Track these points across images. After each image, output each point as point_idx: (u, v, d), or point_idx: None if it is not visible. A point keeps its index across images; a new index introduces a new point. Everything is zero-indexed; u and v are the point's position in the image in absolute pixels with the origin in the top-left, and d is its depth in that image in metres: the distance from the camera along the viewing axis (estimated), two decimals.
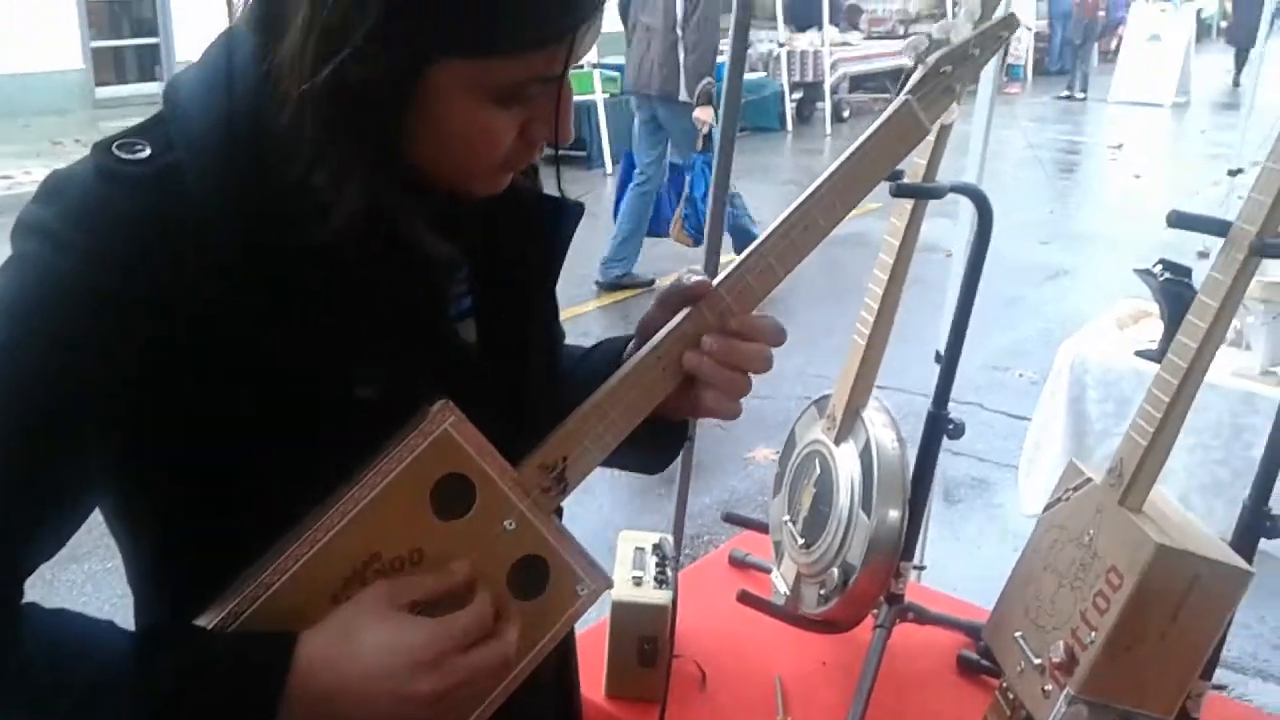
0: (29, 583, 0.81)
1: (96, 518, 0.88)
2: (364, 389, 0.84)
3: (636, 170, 6.44)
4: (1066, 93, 15.19)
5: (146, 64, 13.24)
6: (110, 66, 13.07)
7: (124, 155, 0.80)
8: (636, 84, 6.43)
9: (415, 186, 0.85)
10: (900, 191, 1.45)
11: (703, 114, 6.01)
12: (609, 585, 0.96)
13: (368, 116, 0.78)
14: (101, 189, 0.79)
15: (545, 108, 0.84)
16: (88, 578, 3.45)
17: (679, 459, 2.53)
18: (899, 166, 1.12)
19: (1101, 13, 16.19)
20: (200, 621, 0.82)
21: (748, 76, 10.78)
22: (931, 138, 1.51)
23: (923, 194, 1.47)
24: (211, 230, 0.78)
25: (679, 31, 5.99)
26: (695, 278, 0.95)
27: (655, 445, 1.07)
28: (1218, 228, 1.32)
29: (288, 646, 0.81)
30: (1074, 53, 15.76)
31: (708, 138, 6.10)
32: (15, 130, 10.72)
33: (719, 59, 6.04)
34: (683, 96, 6.05)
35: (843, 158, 0.98)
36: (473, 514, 0.88)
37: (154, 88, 12.77)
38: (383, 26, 0.74)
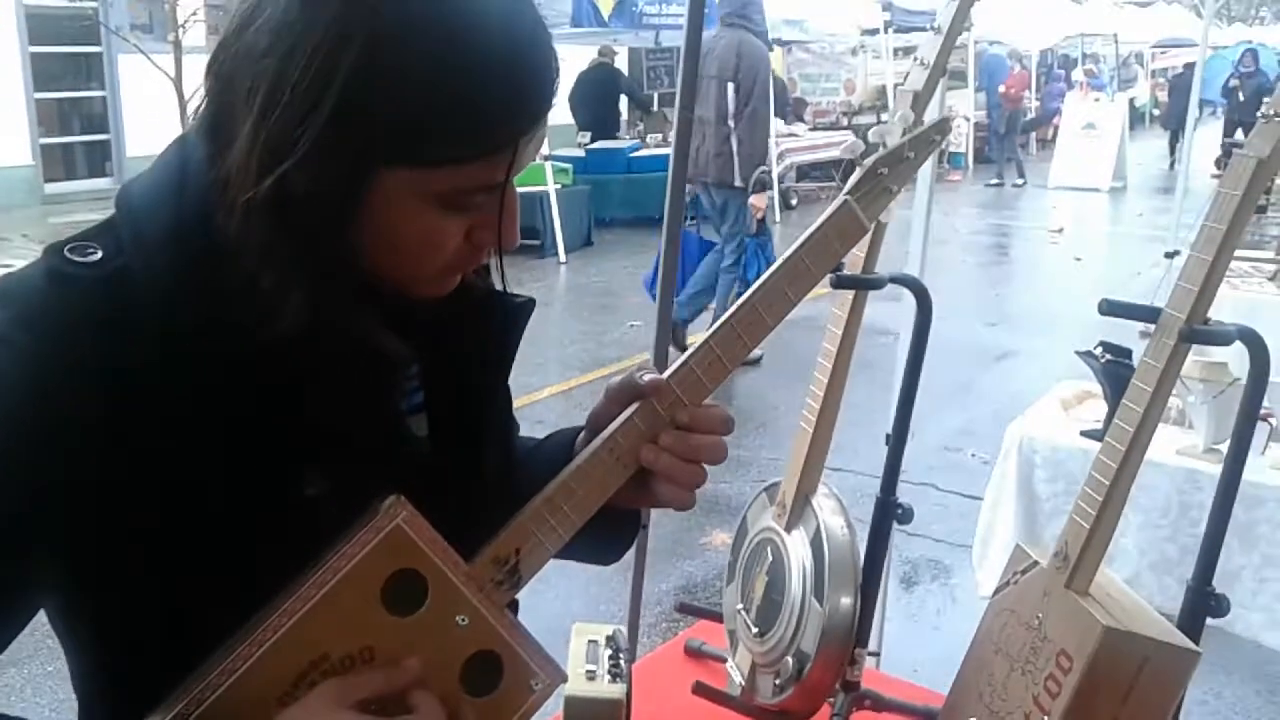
0: None
1: (39, 620, 0.86)
2: (313, 486, 0.84)
3: (728, 249, 6.91)
4: (996, 181, 15.59)
5: (96, 160, 13.24)
6: (59, 162, 13.06)
7: (75, 258, 0.81)
8: (691, 172, 7.15)
9: (364, 288, 0.85)
10: (840, 283, 1.48)
11: (758, 201, 6.74)
12: (563, 679, 0.96)
13: (313, 223, 0.79)
14: (53, 292, 0.79)
15: (490, 213, 0.85)
16: (27, 681, 3.33)
17: (634, 548, 2.53)
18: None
19: (1028, 102, 16.74)
20: None
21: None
22: (872, 227, 1.55)
23: (862, 285, 1.50)
24: (161, 333, 0.79)
25: (731, 124, 6.66)
26: (648, 375, 0.96)
27: (608, 536, 1.07)
28: (1148, 314, 1.36)
29: None
30: (999, 142, 16.18)
31: (761, 221, 6.84)
32: None
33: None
34: (737, 182, 6.70)
35: (784, 256, 1.01)
36: (425, 610, 0.87)
37: (104, 183, 12.76)
38: (326, 137, 0.76)
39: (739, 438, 5.38)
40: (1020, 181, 15.56)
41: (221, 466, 0.81)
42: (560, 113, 10.53)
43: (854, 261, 1.53)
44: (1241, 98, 14.75)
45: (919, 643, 3.56)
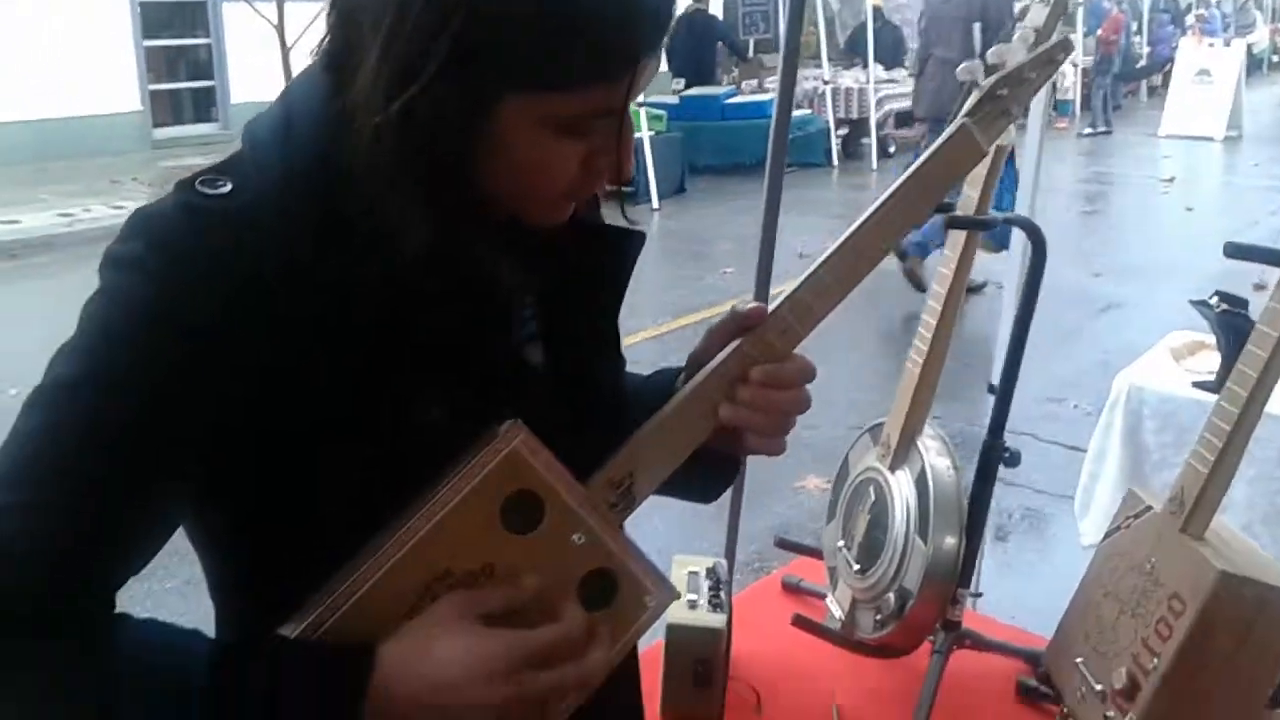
0: None
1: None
2: (432, 412, 0.86)
3: None
4: (1090, 130, 14.96)
5: (202, 106, 13.56)
6: (167, 108, 13.39)
7: (207, 190, 0.83)
8: (932, 110, 7.41)
9: (482, 215, 0.87)
10: (954, 223, 1.46)
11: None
12: (676, 596, 0.98)
13: (436, 149, 0.81)
14: (186, 222, 0.82)
15: (607, 140, 0.86)
16: (147, 594, 3.50)
17: (732, 485, 2.53)
18: (950, 200, 1.13)
19: (1139, 49, 15.95)
20: (283, 631, 0.84)
21: (793, 114, 10.82)
22: (984, 170, 1.53)
23: (975, 225, 1.48)
24: (285, 260, 0.82)
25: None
26: (748, 305, 0.97)
27: (709, 475, 1.09)
28: (1275, 257, 1.32)
29: (368, 657, 0.82)
30: (1100, 89, 15.40)
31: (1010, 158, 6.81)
32: (75, 170, 11.01)
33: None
34: None
35: (899, 181, 0.99)
36: (542, 529, 0.90)
37: (210, 128, 13.07)
38: (449, 64, 0.78)
39: (833, 383, 5.35)
40: (1106, 129, 14.91)
41: (342, 392, 0.83)
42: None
43: (966, 203, 1.51)
44: None
45: (1016, 592, 3.52)
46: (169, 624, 0.85)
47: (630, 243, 1.02)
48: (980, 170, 1.53)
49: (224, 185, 0.83)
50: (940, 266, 1.59)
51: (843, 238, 0.98)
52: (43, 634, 0.78)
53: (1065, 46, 1.08)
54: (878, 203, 0.98)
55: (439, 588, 0.87)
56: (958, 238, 1.55)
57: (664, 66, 12.99)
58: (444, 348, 0.87)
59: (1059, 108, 15.38)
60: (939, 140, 1.00)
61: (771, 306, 0.98)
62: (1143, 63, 18.67)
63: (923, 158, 0.99)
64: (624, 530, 0.98)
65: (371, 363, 0.84)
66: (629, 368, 1.16)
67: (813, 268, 0.98)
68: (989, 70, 1.02)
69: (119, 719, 0.79)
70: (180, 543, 0.93)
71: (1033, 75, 1.04)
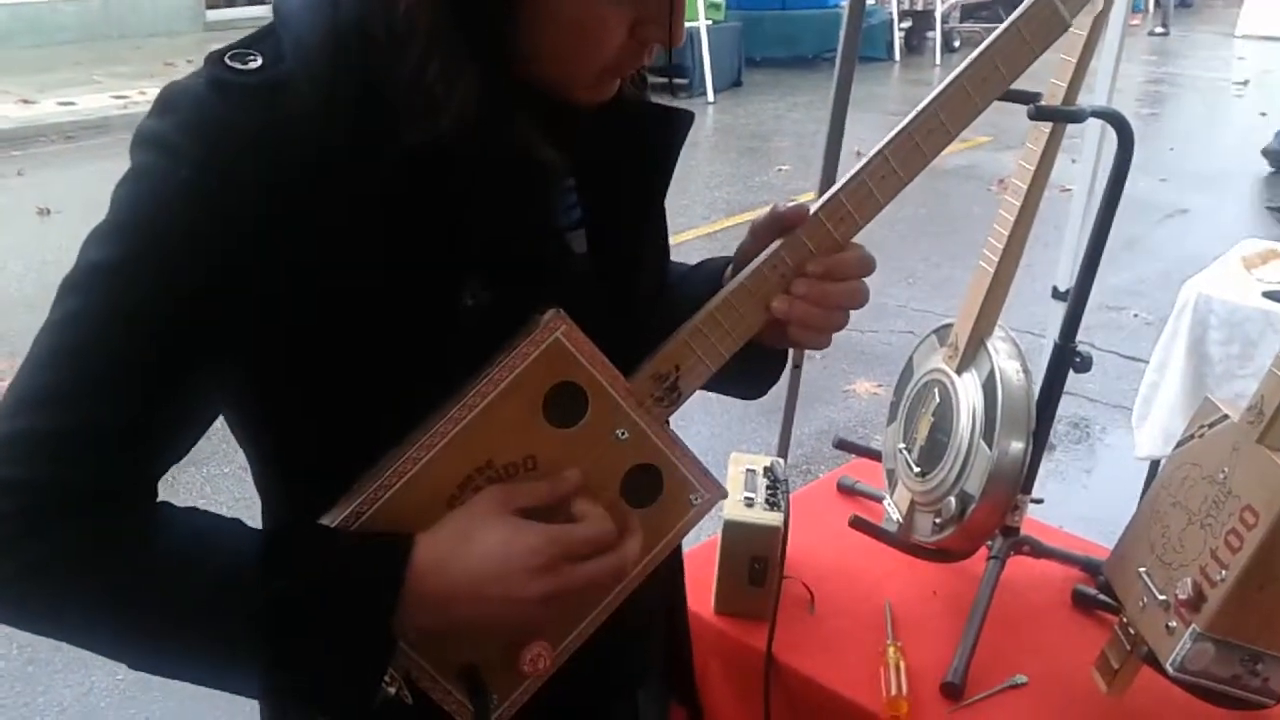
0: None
1: (217, 423, 0.91)
2: (473, 296, 0.85)
3: None
4: (1161, 30, 14.31)
5: None
6: None
7: (237, 66, 0.81)
8: None
9: (525, 95, 0.84)
10: (1039, 114, 1.40)
11: None
12: (723, 495, 0.97)
13: (481, 9, 0.78)
14: (215, 99, 0.80)
15: (656, 6, 0.83)
16: (206, 480, 3.58)
17: (785, 385, 2.53)
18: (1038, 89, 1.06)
19: None
20: (324, 521, 0.84)
21: None
22: (1072, 58, 1.46)
23: (1063, 117, 1.42)
24: (321, 137, 0.79)
25: None
26: (789, 205, 0.94)
27: (757, 370, 1.07)
28: None
29: (406, 547, 0.83)
30: None
31: None
32: (128, 52, 10.98)
33: None
34: None
35: (970, 58, 0.92)
36: (586, 422, 0.89)
37: (263, 11, 12.93)
38: None
39: (887, 287, 5.28)
40: (1161, 30, 14.26)
41: (381, 274, 0.82)
42: None
43: (1052, 93, 1.44)
44: None
45: (1067, 500, 3.52)
46: (209, 512, 0.85)
47: (676, 123, 0.98)
48: (1068, 58, 1.47)
49: (254, 60, 0.81)
50: (1021, 160, 1.53)
51: (906, 119, 0.93)
52: (87, 516, 0.78)
53: None
54: (945, 82, 0.93)
55: (480, 479, 0.86)
56: (1041, 130, 1.49)
57: None
58: (485, 229, 0.85)
59: (1134, 3, 14.77)
60: (1017, 11, 0.93)
61: (840, 184, 0.94)
62: None
63: (999, 30, 0.93)
64: (670, 426, 0.97)
65: (412, 245, 0.82)
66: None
67: (874, 150, 0.93)
68: None
69: (162, 602, 0.80)
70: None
71: None
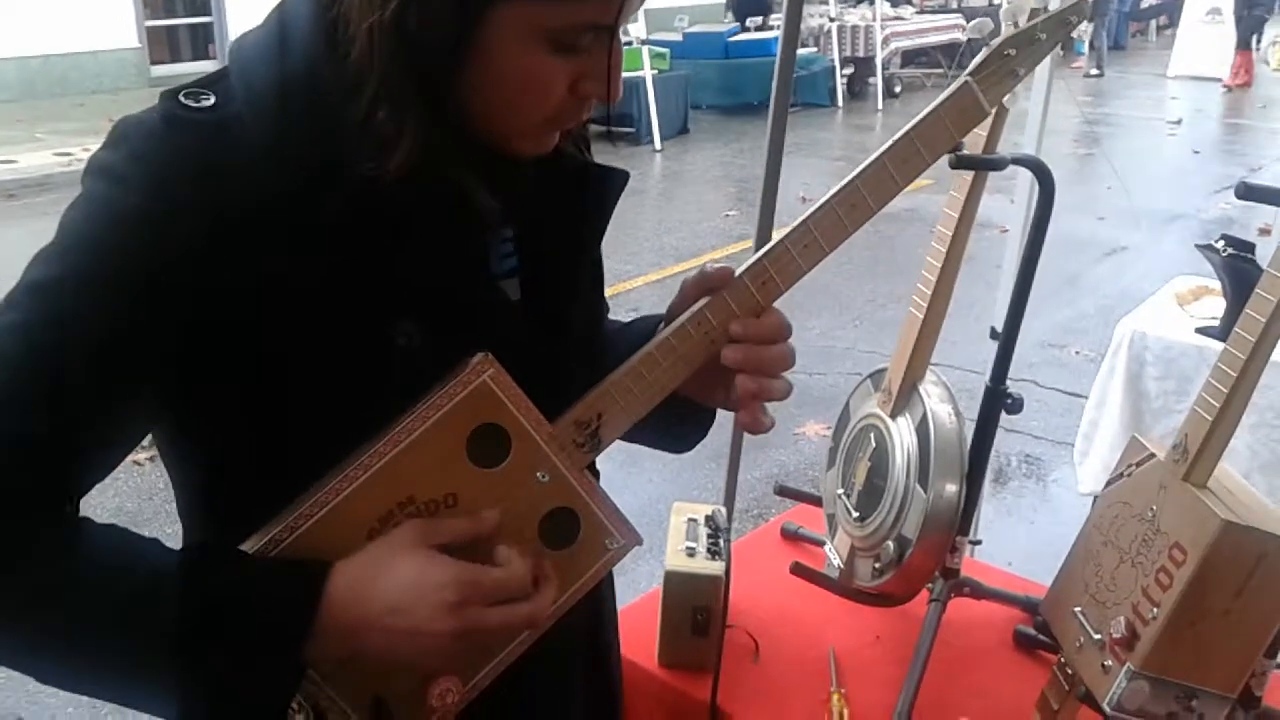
0: None
1: (159, 490, 0.90)
2: (406, 337, 0.86)
3: None
4: (1096, 72, 14.72)
5: (200, 42, 13.39)
6: (165, 45, 13.24)
7: (190, 103, 0.83)
8: None
9: (467, 144, 0.86)
10: (961, 163, 1.43)
11: None
12: (639, 542, 0.98)
13: (428, 58, 0.80)
14: (166, 133, 0.82)
15: (596, 63, 0.85)
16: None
17: (730, 433, 2.54)
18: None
19: None
20: (243, 547, 0.85)
21: (798, 52, 10.65)
22: (994, 109, 1.49)
23: (983, 165, 1.44)
24: (267, 174, 0.81)
25: None
26: (716, 266, 0.97)
27: (684, 424, 1.09)
28: None
29: (321, 574, 0.84)
30: (1099, 30, 15.07)
31: None
32: (71, 108, 10.91)
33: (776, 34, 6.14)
34: None
35: (896, 137, 0.97)
36: (507, 463, 0.90)
37: (207, 65, 12.92)
38: None
39: (833, 329, 5.33)
40: (1098, 73, 14.66)
41: (318, 311, 0.83)
42: None
43: (973, 143, 1.47)
44: None
45: (1014, 537, 3.55)
46: (127, 530, 0.86)
47: (613, 181, 1.02)
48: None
49: (207, 99, 0.84)
50: (946, 208, 1.56)
51: (832, 192, 0.97)
52: (4, 521, 0.78)
53: (1080, 9, 1.05)
54: (870, 159, 0.96)
55: (401, 514, 0.88)
56: (964, 179, 1.52)
57: (665, 3, 12.81)
58: (421, 272, 0.87)
59: (1074, 46, 15.14)
60: (940, 98, 0.97)
61: (763, 251, 0.97)
62: (1151, 2, 18.37)
63: (921, 115, 0.97)
64: (594, 475, 0.99)
65: (349, 284, 0.84)
66: (628, 313, 1.16)
67: (800, 219, 0.97)
68: (996, 29, 0.99)
69: (74, 614, 0.80)
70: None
71: (1043, 36, 1.01)
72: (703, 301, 0.96)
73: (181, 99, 0.83)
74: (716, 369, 0.97)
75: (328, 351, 0.84)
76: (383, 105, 0.81)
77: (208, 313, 0.81)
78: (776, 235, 0.98)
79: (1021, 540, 3.51)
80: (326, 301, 0.83)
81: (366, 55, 0.80)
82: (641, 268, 6.51)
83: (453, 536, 0.87)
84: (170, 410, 0.87)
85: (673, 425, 1.04)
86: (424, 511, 0.88)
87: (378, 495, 0.87)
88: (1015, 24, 1.00)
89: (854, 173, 0.96)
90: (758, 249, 0.99)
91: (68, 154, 9.00)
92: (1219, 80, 13.74)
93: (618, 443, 0.98)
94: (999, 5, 1.12)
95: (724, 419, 1.11)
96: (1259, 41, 13.76)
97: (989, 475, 3.72)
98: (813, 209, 0.96)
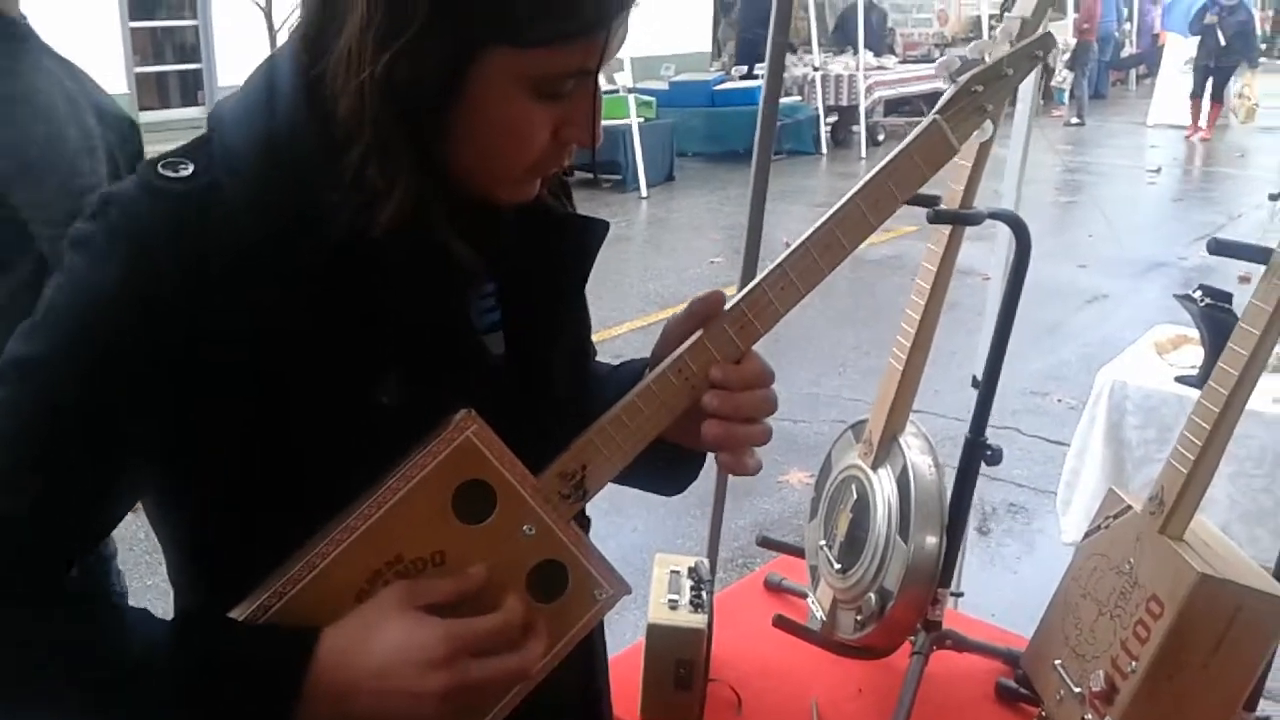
0: None
1: (140, 535, 0.91)
2: (386, 395, 0.87)
3: None
4: (1077, 121, 14.90)
5: (189, 89, 13.45)
6: (154, 91, 13.29)
7: (168, 173, 0.84)
8: None
9: (450, 194, 0.87)
10: (937, 218, 1.45)
11: None
12: (627, 591, 0.98)
13: (418, 109, 0.82)
14: (145, 204, 0.83)
15: (578, 109, 0.87)
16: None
17: (714, 482, 2.54)
18: (936, 192, 1.11)
19: (1129, 34, 15.77)
20: (232, 614, 0.85)
21: (782, 101, 10.81)
22: (968, 161, 1.52)
23: (959, 220, 1.47)
24: (247, 241, 0.82)
25: None
26: (706, 294, 0.97)
27: (673, 468, 1.09)
28: (1258, 254, 1.32)
29: (310, 641, 0.84)
30: (1080, 78, 15.07)
31: None
32: None
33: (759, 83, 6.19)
34: None
35: (868, 177, 0.97)
36: (493, 519, 0.90)
37: (196, 112, 12.97)
38: (433, 16, 0.78)
39: (818, 376, 5.35)
40: (1079, 122, 14.84)
41: (301, 372, 0.84)
42: (641, 45, 10.40)
43: (951, 197, 1.50)
44: (1222, 39, 12.90)
45: (998, 587, 3.54)
46: (116, 602, 0.88)
47: (592, 232, 1.03)
48: (964, 163, 1.52)
49: (185, 168, 0.84)
50: (924, 261, 1.58)
51: (807, 234, 0.97)
52: None
53: (1046, 43, 1.06)
54: (844, 199, 0.97)
55: (389, 574, 0.88)
56: (942, 231, 1.54)
57: (651, 51, 12.97)
58: (402, 328, 0.87)
59: (1056, 96, 15.33)
60: (909, 137, 0.98)
61: (741, 295, 0.97)
62: (1131, 51, 18.64)
63: (891, 155, 0.97)
64: (586, 529, 0.99)
65: (330, 342, 0.85)
66: (614, 360, 1.16)
67: (776, 262, 0.97)
68: (965, 65, 1.00)
69: (67, 688, 0.81)
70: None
71: (1010, 71, 1.01)
72: (684, 347, 0.96)
73: (160, 169, 0.84)
74: (701, 413, 0.97)
75: (313, 411, 0.85)
76: (373, 159, 0.82)
77: (192, 380, 0.82)
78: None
79: (1006, 590, 3.51)
80: (310, 361, 0.84)
81: (356, 111, 0.81)
82: (627, 314, 6.53)
83: (440, 595, 0.87)
84: (158, 477, 0.88)
85: (662, 468, 1.04)
86: (412, 570, 0.88)
87: (365, 556, 0.87)
88: (983, 59, 1.00)
89: (828, 214, 0.97)
90: (738, 294, 0.99)
91: None
92: (1198, 128, 13.88)
93: (602, 490, 0.98)
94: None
95: (709, 467, 1.11)
96: (1215, 92, 13.50)
97: (973, 525, 3.73)
98: (788, 251, 0.96)
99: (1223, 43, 12.95)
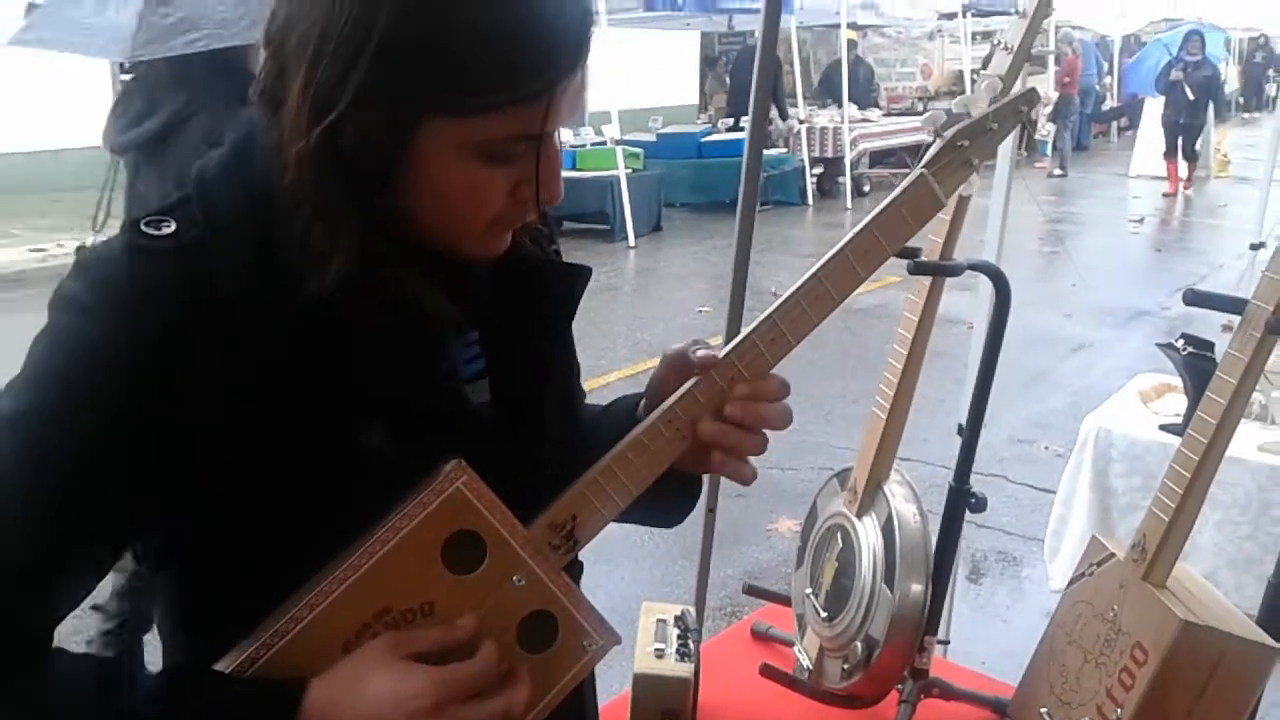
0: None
1: None
2: (365, 437, 0.87)
3: None
4: (1060, 172, 15.07)
5: None
6: None
7: (150, 231, 0.85)
8: None
9: (411, 245, 0.88)
10: (918, 269, 1.47)
11: None
12: (617, 641, 0.98)
13: (361, 174, 0.82)
14: (128, 262, 0.84)
15: (533, 169, 0.87)
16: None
17: (701, 531, 2.54)
18: (916, 244, 1.13)
19: (1109, 87, 15.97)
20: (219, 666, 0.85)
21: (768, 153, 10.94)
22: (949, 214, 1.54)
23: (940, 271, 1.49)
24: (228, 296, 0.83)
25: None
26: (701, 351, 0.98)
27: (670, 500, 1.09)
28: (1233, 305, 1.34)
29: (297, 693, 0.83)
30: (1062, 131, 15.25)
31: None
32: (48, 204, 10.96)
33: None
34: None
35: (855, 230, 0.99)
36: (483, 569, 0.91)
37: None
38: (369, 86, 0.79)
39: (805, 424, 5.36)
40: (1060, 173, 15.00)
41: (285, 426, 0.84)
42: (630, 98, 10.49)
43: (931, 248, 1.52)
44: (1190, 94, 12.95)
45: (986, 635, 3.53)
46: (104, 657, 0.87)
47: (575, 277, 1.03)
48: (944, 216, 1.55)
49: (167, 226, 0.86)
50: (905, 311, 1.60)
51: (796, 285, 0.98)
52: None
53: (1030, 98, 1.08)
54: (832, 251, 0.99)
55: (378, 625, 0.88)
56: (923, 282, 1.56)
57: (639, 104, 13.13)
58: (379, 380, 0.88)
59: (1039, 148, 15.52)
60: (897, 190, 1.00)
61: (729, 347, 0.99)
62: (1112, 104, 18.91)
63: (880, 207, 0.99)
64: (576, 578, 0.99)
65: (313, 397, 0.85)
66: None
67: (766, 313, 0.98)
68: (951, 120, 1.02)
69: None
70: None
71: (995, 126, 1.04)
72: (674, 398, 0.97)
73: (143, 228, 0.85)
74: (696, 441, 0.97)
75: (298, 463, 0.85)
76: (319, 222, 0.83)
77: (177, 436, 0.82)
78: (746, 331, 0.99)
79: (996, 638, 3.50)
80: (292, 413, 0.85)
81: (297, 179, 0.82)
82: (615, 362, 6.54)
83: (427, 645, 0.87)
84: (144, 531, 0.88)
85: (658, 503, 1.04)
86: (400, 621, 0.88)
87: (353, 608, 0.87)
88: (969, 114, 1.02)
89: (816, 266, 0.98)
90: (728, 335, 1.00)
91: (41, 249, 9.01)
92: (1180, 179, 14.02)
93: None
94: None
95: (697, 515, 1.11)
96: (1186, 150, 13.38)
97: (961, 572, 3.72)
98: (778, 303, 0.98)
99: (1190, 98, 12.98)
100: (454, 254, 0.91)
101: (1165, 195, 13.40)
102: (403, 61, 0.79)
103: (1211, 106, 13.37)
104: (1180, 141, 13.28)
